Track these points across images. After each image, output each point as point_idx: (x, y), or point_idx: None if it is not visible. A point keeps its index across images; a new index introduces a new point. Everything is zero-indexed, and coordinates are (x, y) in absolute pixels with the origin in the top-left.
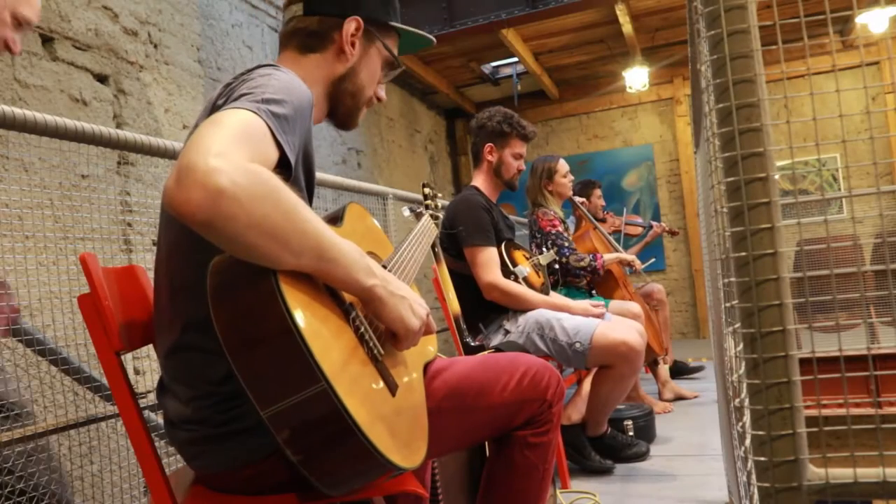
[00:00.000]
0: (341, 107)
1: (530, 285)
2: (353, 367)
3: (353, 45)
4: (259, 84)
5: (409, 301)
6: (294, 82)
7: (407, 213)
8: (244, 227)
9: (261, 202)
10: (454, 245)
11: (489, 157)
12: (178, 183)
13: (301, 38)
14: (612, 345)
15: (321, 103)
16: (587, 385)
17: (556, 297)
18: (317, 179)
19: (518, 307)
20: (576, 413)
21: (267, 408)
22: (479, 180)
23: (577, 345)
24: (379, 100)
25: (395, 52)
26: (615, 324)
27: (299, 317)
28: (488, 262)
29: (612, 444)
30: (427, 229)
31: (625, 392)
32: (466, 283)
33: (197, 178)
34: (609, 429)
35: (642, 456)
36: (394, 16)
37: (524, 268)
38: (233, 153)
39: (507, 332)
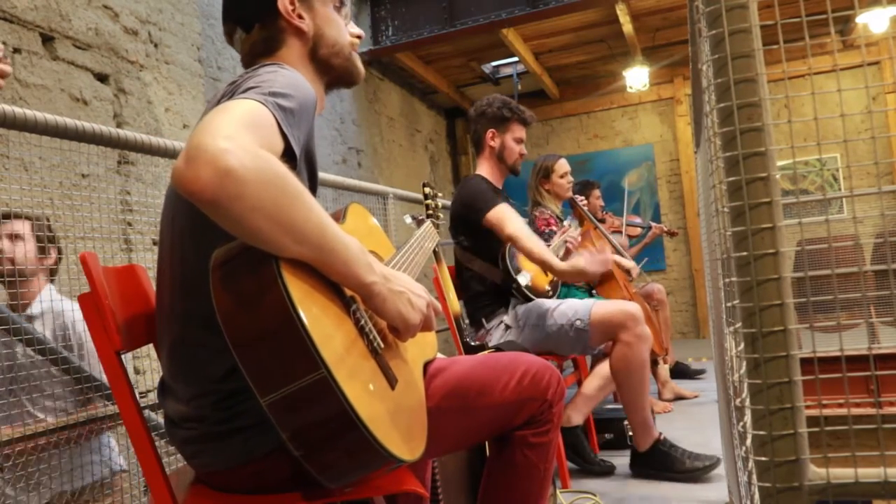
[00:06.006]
0: (334, 70)
1: (535, 290)
2: (352, 357)
3: (300, 16)
4: (266, 79)
5: (407, 295)
6: (299, 80)
7: (409, 220)
8: (249, 210)
9: (267, 186)
10: (466, 228)
11: (491, 143)
12: (188, 162)
13: (260, 50)
14: (610, 315)
15: (314, 86)
16: (588, 386)
17: (576, 263)
18: (318, 179)
19: (544, 271)
20: (576, 415)
21: (267, 395)
22: (483, 168)
23: (578, 322)
24: (358, 37)
25: None
26: (610, 301)
27: (300, 304)
28: (508, 215)
29: (672, 454)
30: (429, 234)
31: (643, 364)
32: (473, 276)
33: (207, 157)
34: (662, 435)
35: (709, 468)
36: None
37: (527, 273)
38: (242, 137)
39: (508, 326)
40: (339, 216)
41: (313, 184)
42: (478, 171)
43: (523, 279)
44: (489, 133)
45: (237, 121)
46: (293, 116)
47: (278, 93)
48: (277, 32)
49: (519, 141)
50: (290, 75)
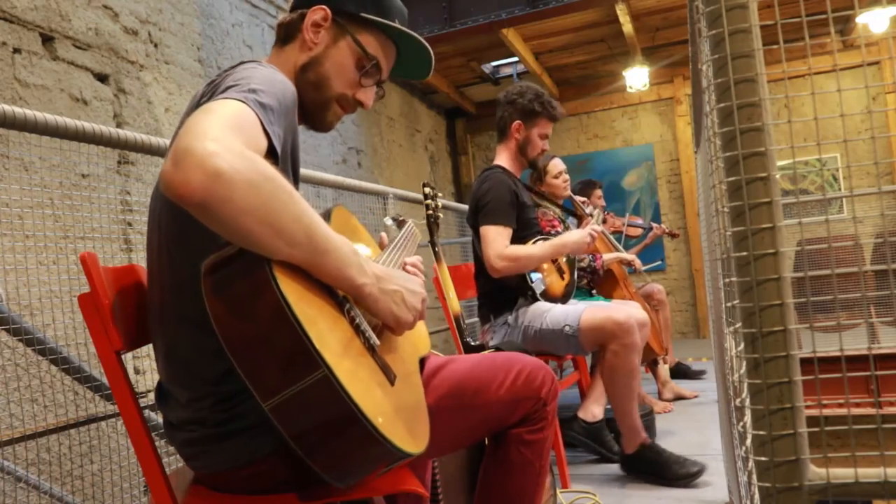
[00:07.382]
0: (305, 99)
1: (550, 294)
2: (350, 356)
3: (315, 33)
4: (244, 76)
5: (401, 293)
6: (276, 76)
7: (389, 222)
8: (239, 212)
9: (257, 188)
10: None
11: (516, 135)
12: (176, 165)
13: (280, 30)
14: (599, 323)
15: None
16: (600, 378)
17: (554, 240)
18: (317, 179)
19: (530, 266)
20: (597, 408)
21: (269, 399)
22: (504, 158)
23: (567, 328)
24: (361, 104)
25: (373, 51)
26: (605, 304)
27: (296, 306)
28: (498, 237)
29: (658, 460)
30: (411, 236)
31: (630, 373)
32: (489, 276)
33: (195, 160)
34: (649, 441)
35: (694, 476)
36: (371, 9)
37: (541, 280)
38: (229, 139)
39: (510, 326)
40: (324, 218)
41: (296, 180)
42: (498, 161)
43: (538, 287)
44: (515, 124)
45: (222, 122)
46: (273, 113)
47: (257, 89)
48: (296, 30)
49: (544, 137)
50: (268, 72)
